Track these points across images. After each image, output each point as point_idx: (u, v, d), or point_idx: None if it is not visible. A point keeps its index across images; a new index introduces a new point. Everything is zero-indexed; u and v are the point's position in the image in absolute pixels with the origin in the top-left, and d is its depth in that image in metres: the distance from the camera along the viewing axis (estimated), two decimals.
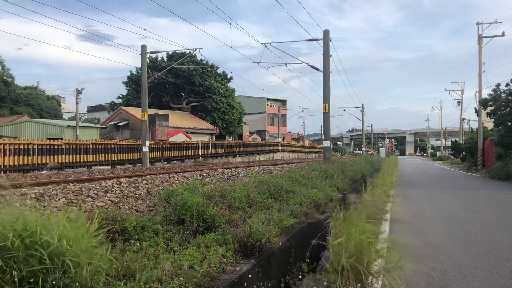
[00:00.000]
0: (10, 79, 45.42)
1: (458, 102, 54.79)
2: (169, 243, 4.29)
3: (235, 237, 4.45)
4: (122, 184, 9.53)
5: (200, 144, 32.92)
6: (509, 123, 23.77)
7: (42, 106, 48.40)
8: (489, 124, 31.12)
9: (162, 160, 28.00)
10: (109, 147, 23.60)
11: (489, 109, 25.94)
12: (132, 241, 4.13)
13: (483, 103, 26.49)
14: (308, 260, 4.84)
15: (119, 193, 8.52)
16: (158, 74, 31.22)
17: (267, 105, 69.02)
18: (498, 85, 25.11)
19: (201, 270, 3.47)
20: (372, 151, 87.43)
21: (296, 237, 5.54)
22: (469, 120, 55.70)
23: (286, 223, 5.51)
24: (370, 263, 4.01)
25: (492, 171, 24.06)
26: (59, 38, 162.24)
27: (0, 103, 44.17)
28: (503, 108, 24.11)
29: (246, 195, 6.52)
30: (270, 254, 4.48)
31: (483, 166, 28.90)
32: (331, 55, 21.09)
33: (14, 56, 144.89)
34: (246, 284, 3.75)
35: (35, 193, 7.47)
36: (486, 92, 28.30)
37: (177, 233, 4.62)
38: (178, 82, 44.35)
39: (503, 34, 29.41)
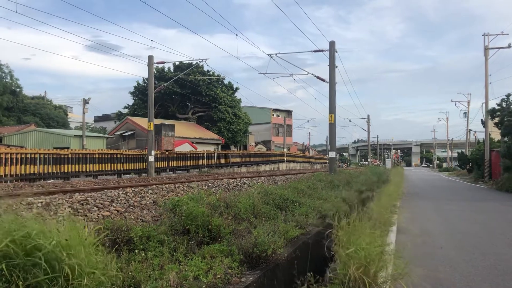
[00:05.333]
0: (18, 89, 45.90)
1: (464, 113, 54.68)
2: (174, 253, 4.27)
3: (240, 248, 4.42)
4: (128, 194, 9.56)
5: (205, 154, 32.97)
6: None
7: (50, 115, 48.81)
8: (496, 135, 30.94)
9: (168, 170, 28.07)
10: (115, 156, 23.72)
11: (496, 119, 25.84)
12: (137, 251, 4.13)
13: (491, 112, 26.38)
14: (313, 273, 4.80)
15: (125, 203, 8.54)
16: (165, 84, 31.45)
17: (273, 115, 69.12)
18: (508, 95, 25.05)
19: (206, 281, 3.45)
20: (378, 162, 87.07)
21: (302, 248, 5.51)
22: (475, 132, 55.44)
23: (292, 234, 5.48)
24: (376, 273, 3.99)
25: (499, 183, 23.85)
26: (67, 48, 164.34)
27: (8, 113, 44.61)
28: (510, 118, 24.01)
29: (251, 206, 6.49)
30: (276, 265, 4.45)
31: (490, 178, 28.67)
32: (336, 66, 21.13)
33: (22, 66, 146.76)
34: None
35: (41, 202, 7.52)
36: (492, 104, 28.25)
37: (182, 243, 4.61)
38: (184, 92, 44.61)
39: (509, 46, 29.34)
